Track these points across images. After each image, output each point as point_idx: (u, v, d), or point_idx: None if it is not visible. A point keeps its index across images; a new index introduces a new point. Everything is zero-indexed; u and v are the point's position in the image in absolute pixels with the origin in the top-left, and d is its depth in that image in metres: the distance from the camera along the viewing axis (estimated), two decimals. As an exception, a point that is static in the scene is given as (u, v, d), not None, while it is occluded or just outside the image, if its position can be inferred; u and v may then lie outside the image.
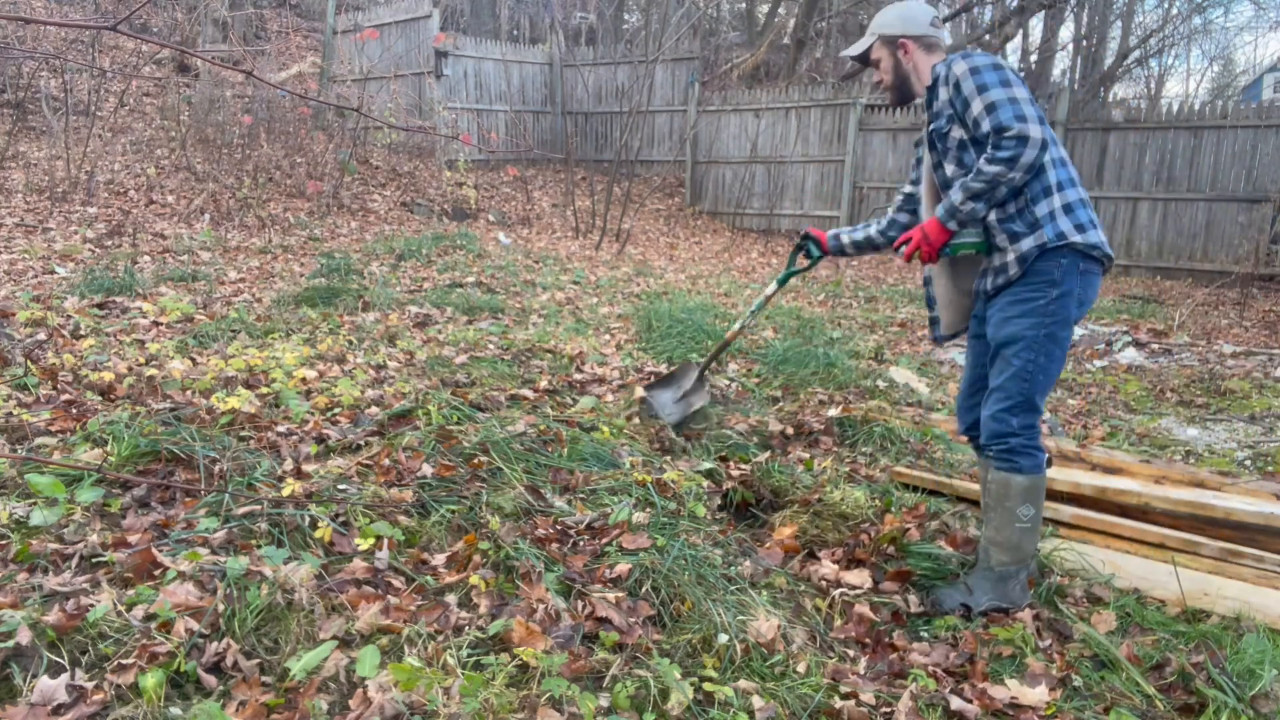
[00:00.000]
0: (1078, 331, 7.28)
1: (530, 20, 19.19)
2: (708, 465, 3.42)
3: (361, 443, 3.15)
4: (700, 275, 9.29)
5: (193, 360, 4.00)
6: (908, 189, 3.06)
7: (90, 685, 1.76)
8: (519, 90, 14.46)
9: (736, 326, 3.70)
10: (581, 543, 2.62)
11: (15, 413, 3.03)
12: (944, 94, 2.61)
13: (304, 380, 3.81)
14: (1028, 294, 2.55)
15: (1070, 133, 10.92)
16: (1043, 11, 16.79)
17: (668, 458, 3.49)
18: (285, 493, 2.57)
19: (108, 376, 3.51)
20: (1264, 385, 5.59)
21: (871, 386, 5.00)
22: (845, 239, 3.20)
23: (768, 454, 3.67)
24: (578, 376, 4.38)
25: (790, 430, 3.98)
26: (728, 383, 4.67)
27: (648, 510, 2.80)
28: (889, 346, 6.50)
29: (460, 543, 2.54)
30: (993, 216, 2.58)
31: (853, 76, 15.11)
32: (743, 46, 18.72)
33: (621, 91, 14.28)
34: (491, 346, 4.83)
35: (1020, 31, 19.13)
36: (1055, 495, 3.31)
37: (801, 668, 2.20)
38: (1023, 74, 20.02)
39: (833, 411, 4.20)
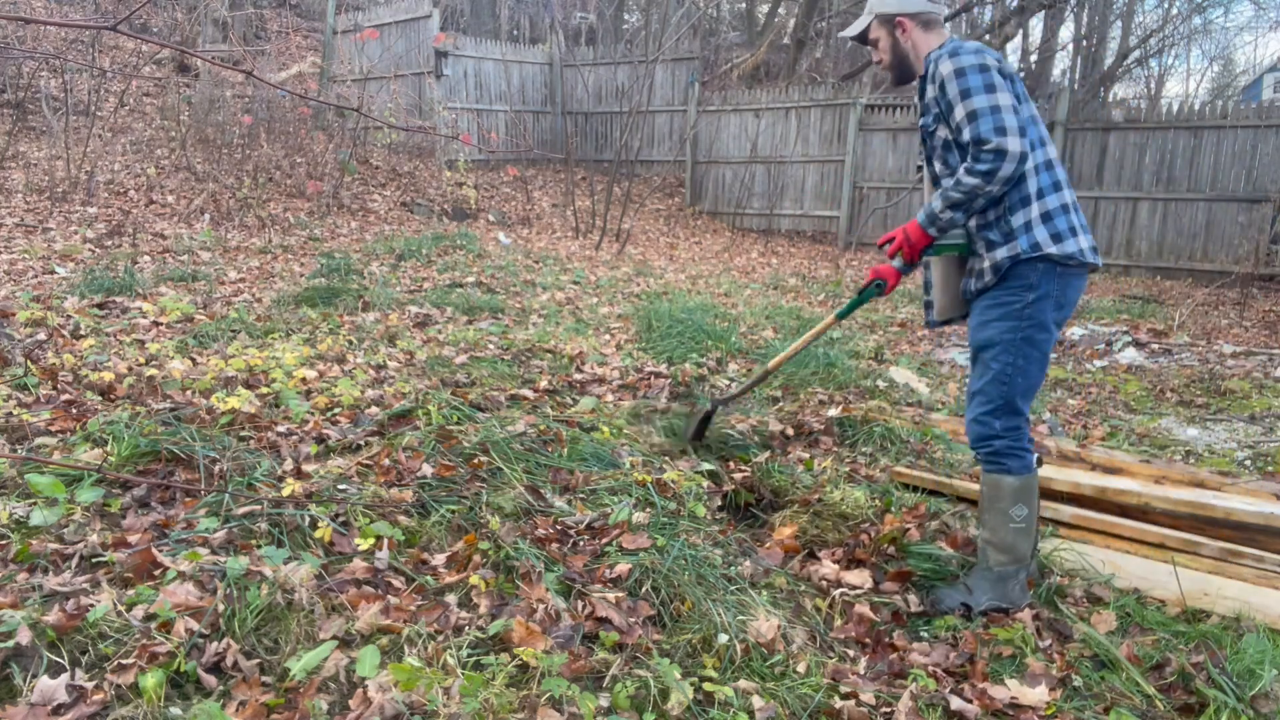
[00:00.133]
0: (1078, 331, 7.28)
1: (530, 20, 19.19)
2: (708, 465, 3.42)
3: (361, 443, 3.15)
4: (700, 275, 9.29)
5: (193, 360, 4.00)
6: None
7: (90, 685, 1.76)
8: (519, 90, 14.46)
9: (779, 359, 3.53)
10: (581, 543, 2.62)
11: (15, 413, 3.03)
12: (930, 91, 2.59)
13: (304, 380, 3.81)
14: (1004, 298, 2.55)
15: (1070, 133, 10.91)
16: (1043, 11, 16.79)
17: (667, 458, 3.49)
18: (285, 493, 2.57)
19: (108, 376, 3.51)
20: (1264, 385, 5.59)
21: (871, 386, 4.99)
22: None
23: (768, 454, 3.67)
24: (578, 376, 4.38)
25: (790, 430, 3.98)
26: (728, 383, 4.67)
27: (648, 510, 2.80)
28: (889, 346, 6.50)
29: (460, 543, 2.54)
30: (972, 223, 2.60)
31: (853, 76, 15.13)
32: (743, 46, 18.72)
33: (621, 91, 14.28)
34: (491, 346, 4.83)
35: (1020, 31, 19.13)
36: (1055, 495, 3.31)
37: (801, 668, 2.20)
38: (1022, 74, 20.03)
39: (833, 411, 4.20)
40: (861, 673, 2.28)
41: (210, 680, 1.84)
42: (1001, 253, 2.53)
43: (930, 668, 2.30)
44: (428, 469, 2.89)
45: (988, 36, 15.62)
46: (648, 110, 13.42)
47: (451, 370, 4.26)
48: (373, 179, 11.57)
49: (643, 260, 9.98)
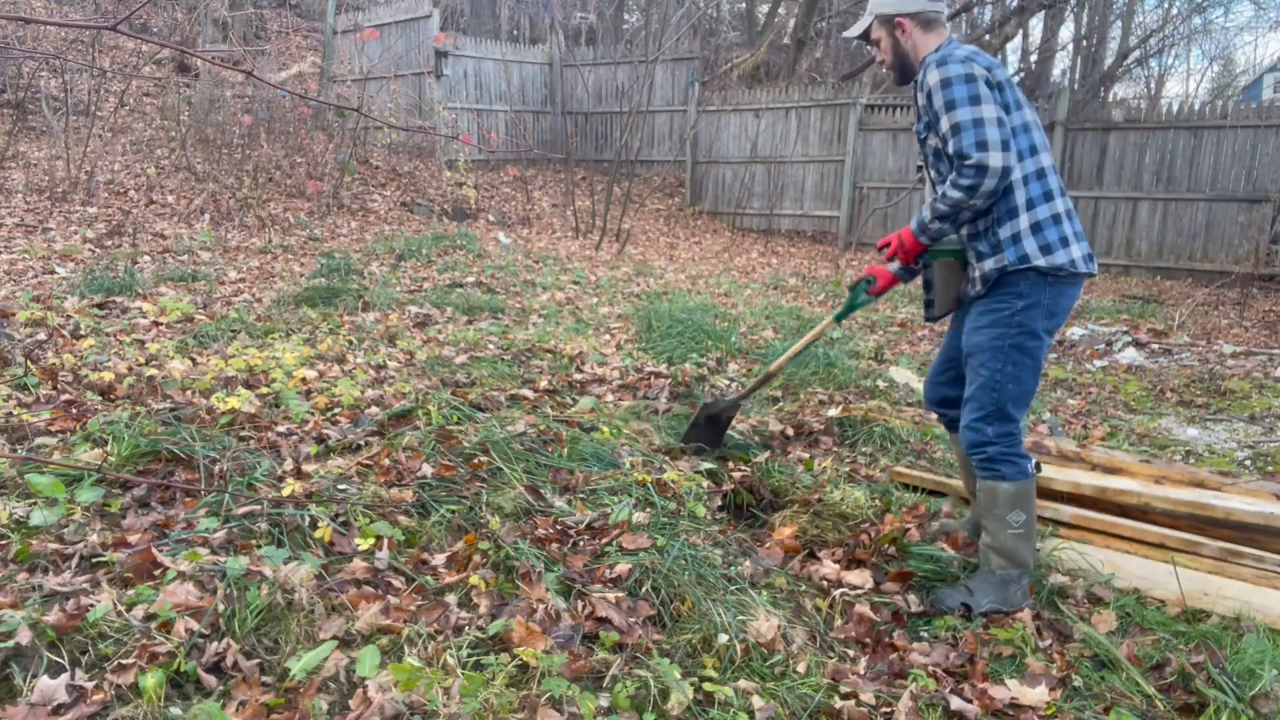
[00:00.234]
0: (1078, 331, 7.28)
1: (530, 20, 19.19)
2: (708, 465, 3.42)
3: (361, 443, 3.15)
4: (700, 275, 9.29)
5: (193, 360, 4.00)
6: None
7: (90, 685, 1.76)
8: (519, 90, 14.46)
9: (780, 360, 3.55)
10: (581, 543, 2.62)
11: (15, 413, 3.03)
12: (921, 98, 2.59)
13: (304, 380, 3.81)
14: (995, 305, 2.57)
15: (1070, 133, 10.91)
16: (1043, 11, 16.79)
17: (667, 458, 3.49)
18: (285, 493, 2.57)
19: (108, 376, 3.51)
20: (1264, 385, 5.59)
21: (871, 386, 4.99)
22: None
23: (768, 454, 3.67)
24: (578, 376, 4.38)
25: (790, 430, 3.98)
26: (728, 383, 4.67)
27: (648, 510, 2.80)
28: (889, 346, 6.50)
29: (460, 543, 2.54)
30: (964, 232, 2.62)
31: (853, 76, 15.12)
32: (743, 46, 18.72)
33: (621, 91, 14.28)
34: (491, 346, 4.83)
35: (1020, 31, 19.13)
36: (1055, 495, 3.31)
37: (801, 668, 2.20)
38: (1022, 74, 20.03)
39: (833, 411, 4.20)
40: (861, 673, 2.28)
41: (210, 680, 1.84)
42: (989, 264, 2.55)
43: (930, 668, 2.30)
44: (428, 469, 2.89)
45: (988, 36, 15.62)
46: (648, 110, 13.42)
47: (451, 370, 4.26)
48: (373, 179, 11.57)
49: (643, 260, 9.98)
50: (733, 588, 2.46)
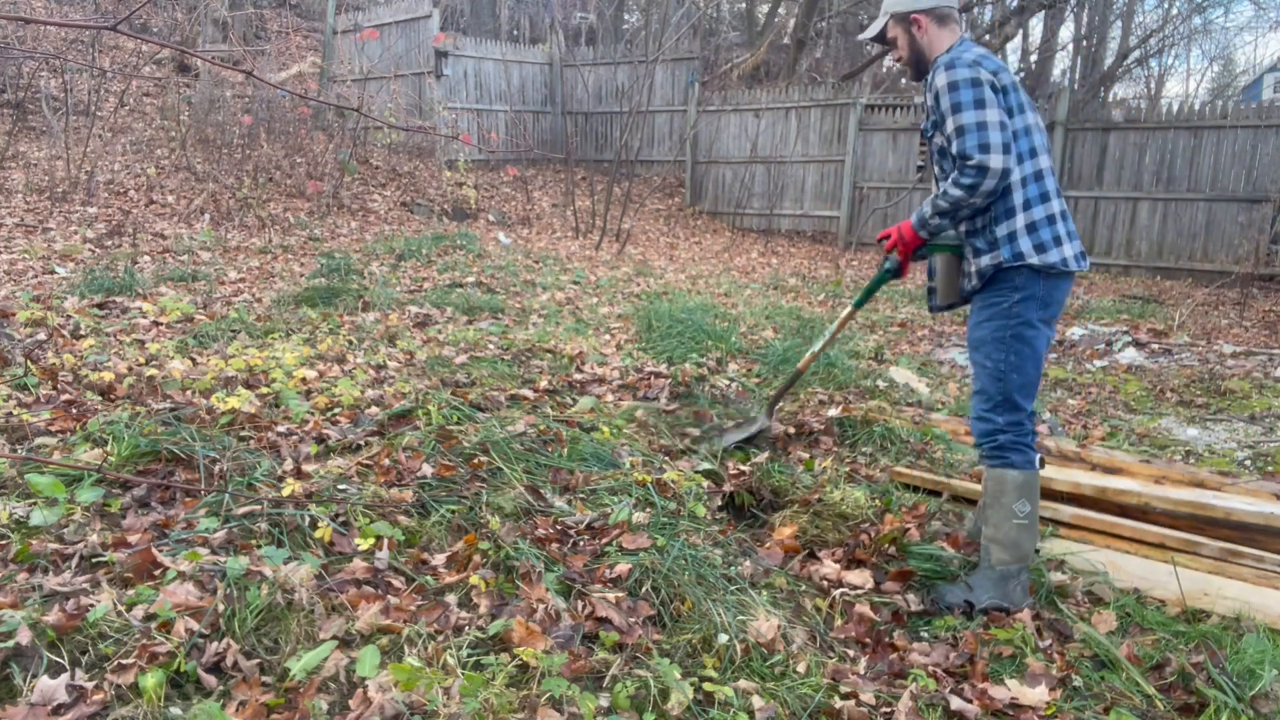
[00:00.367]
0: (1078, 331, 7.28)
1: (530, 20, 19.19)
2: (708, 465, 3.42)
3: (361, 443, 3.15)
4: (700, 275, 9.29)
5: (193, 360, 4.00)
6: None
7: (90, 685, 1.76)
8: (519, 90, 14.45)
9: (809, 354, 3.60)
10: (581, 543, 2.62)
11: (15, 413, 3.03)
12: (929, 98, 2.68)
13: (304, 380, 3.81)
14: (993, 298, 2.68)
15: (1070, 133, 10.91)
16: (1043, 11, 16.79)
17: (667, 458, 3.49)
18: (285, 493, 2.57)
19: (108, 376, 3.51)
20: (1264, 385, 5.59)
21: (871, 386, 5.00)
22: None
23: (768, 454, 3.66)
24: (578, 376, 4.38)
25: (790, 430, 3.97)
26: (728, 383, 4.67)
27: (648, 510, 2.81)
28: (889, 346, 6.50)
29: (460, 543, 2.54)
30: (962, 228, 2.73)
31: (853, 76, 15.13)
32: (743, 46, 18.72)
33: (621, 91, 14.28)
34: (491, 346, 4.83)
35: (1020, 31, 19.13)
36: (1055, 495, 3.31)
37: (801, 668, 2.20)
38: (1022, 74, 20.03)
39: (833, 411, 4.20)
40: (861, 673, 2.28)
41: (210, 680, 1.84)
42: (985, 260, 2.65)
43: (930, 668, 2.30)
44: (428, 469, 2.89)
45: (988, 36, 15.61)
46: (648, 110, 13.42)
47: (451, 370, 4.26)
48: (373, 179, 11.57)
49: (643, 260, 9.98)
50: (733, 588, 2.46)
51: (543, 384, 4.09)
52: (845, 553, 2.88)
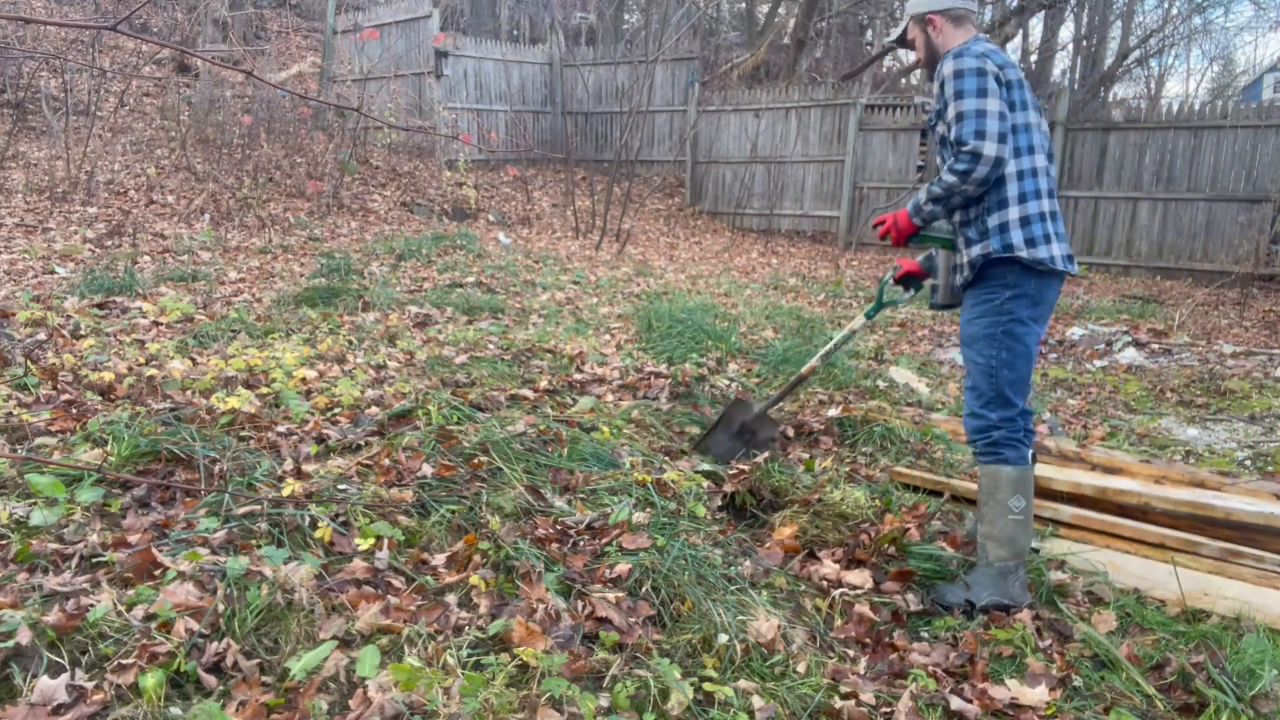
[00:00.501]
0: (1078, 331, 7.27)
1: (530, 20, 19.19)
2: (707, 465, 3.42)
3: (361, 443, 3.15)
4: (700, 275, 9.29)
5: (193, 360, 4.00)
6: None
7: (90, 685, 1.76)
8: (519, 90, 14.45)
9: (813, 362, 3.57)
10: (581, 543, 2.62)
11: (15, 413, 3.03)
12: (936, 87, 2.72)
13: (304, 380, 3.81)
14: (985, 295, 2.70)
15: (1070, 133, 10.91)
16: (1043, 11, 16.79)
17: (667, 458, 3.49)
18: (285, 493, 2.57)
19: (108, 376, 3.51)
20: (1264, 385, 5.59)
21: (871, 386, 5.00)
22: None
23: (767, 454, 3.66)
24: (578, 376, 4.38)
25: (790, 430, 3.98)
26: (728, 383, 4.67)
27: (648, 510, 2.80)
28: (889, 346, 6.50)
29: (460, 543, 2.54)
30: (956, 218, 2.75)
31: (853, 76, 15.13)
32: (743, 46, 18.72)
33: (621, 91, 14.28)
34: (491, 346, 4.83)
35: (1020, 31, 19.12)
36: (1055, 495, 3.31)
37: (801, 668, 2.20)
38: (1022, 74, 19.99)
39: (833, 411, 4.20)
40: (861, 673, 2.28)
41: (210, 680, 1.84)
42: (976, 250, 2.68)
43: (930, 668, 2.30)
44: (428, 469, 2.89)
45: (988, 36, 15.63)
46: (648, 110, 13.41)
47: (451, 370, 4.26)
48: (373, 179, 11.57)
49: (643, 260, 9.98)
50: (733, 588, 2.46)
51: (543, 384, 4.09)
52: (845, 553, 2.88)
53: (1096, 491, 3.28)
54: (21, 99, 9.95)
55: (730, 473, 3.37)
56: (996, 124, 2.52)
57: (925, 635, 2.52)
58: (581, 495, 2.93)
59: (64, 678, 1.75)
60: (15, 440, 2.87)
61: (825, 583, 2.72)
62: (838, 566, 2.80)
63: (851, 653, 2.40)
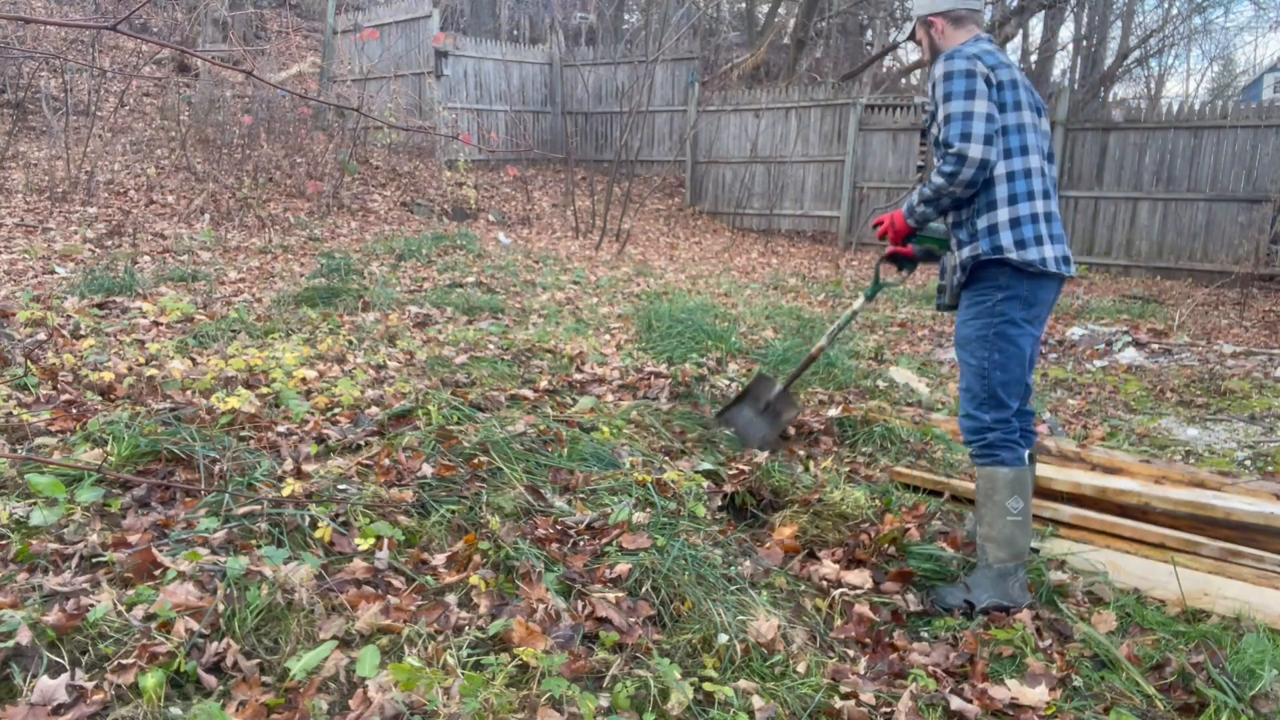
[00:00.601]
0: (1078, 331, 7.28)
1: (530, 20, 19.19)
2: (708, 465, 3.42)
3: (361, 443, 3.15)
4: (700, 275, 9.29)
5: (193, 360, 4.00)
6: None
7: (90, 685, 1.76)
8: (519, 90, 14.45)
9: (822, 341, 3.72)
10: (581, 543, 2.62)
11: (15, 413, 3.03)
12: (930, 89, 2.74)
13: (304, 380, 3.81)
14: (978, 296, 2.71)
15: (1070, 133, 10.91)
16: (1043, 11, 16.79)
17: (667, 458, 3.49)
18: (285, 493, 2.57)
19: (108, 376, 3.51)
20: (1264, 385, 5.59)
21: (871, 386, 5.00)
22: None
23: (767, 454, 3.66)
24: (578, 376, 4.38)
25: (790, 430, 3.97)
26: (728, 383, 4.67)
27: (648, 510, 2.80)
28: (889, 346, 6.50)
29: (460, 543, 2.54)
30: (949, 220, 2.78)
31: (853, 76, 15.13)
32: (743, 46, 18.72)
33: (621, 91, 14.28)
34: (491, 346, 4.83)
35: (1020, 31, 19.12)
36: (1055, 495, 3.31)
37: (801, 668, 2.20)
38: (1022, 74, 19.99)
39: (833, 411, 4.20)
40: (861, 673, 2.28)
41: (210, 680, 1.84)
42: (966, 252, 2.70)
43: (930, 668, 2.30)
44: (428, 469, 2.89)
45: (990, 37, 15.63)
46: (648, 110, 13.41)
47: (451, 370, 4.26)
48: (373, 179, 11.57)
49: (643, 260, 9.98)
50: (733, 588, 2.46)
51: (543, 384, 4.09)
52: (845, 553, 2.88)
53: (1096, 491, 3.28)
54: (21, 99, 9.95)
55: (730, 473, 3.37)
56: (983, 126, 2.53)
57: (925, 635, 2.52)
58: (581, 495, 2.93)
59: (64, 678, 1.75)
60: (15, 440, 2.87)
61: (825, 583, 2.72)
62: (838, 566, 2.79)
63: (851, 653, 2.40)
